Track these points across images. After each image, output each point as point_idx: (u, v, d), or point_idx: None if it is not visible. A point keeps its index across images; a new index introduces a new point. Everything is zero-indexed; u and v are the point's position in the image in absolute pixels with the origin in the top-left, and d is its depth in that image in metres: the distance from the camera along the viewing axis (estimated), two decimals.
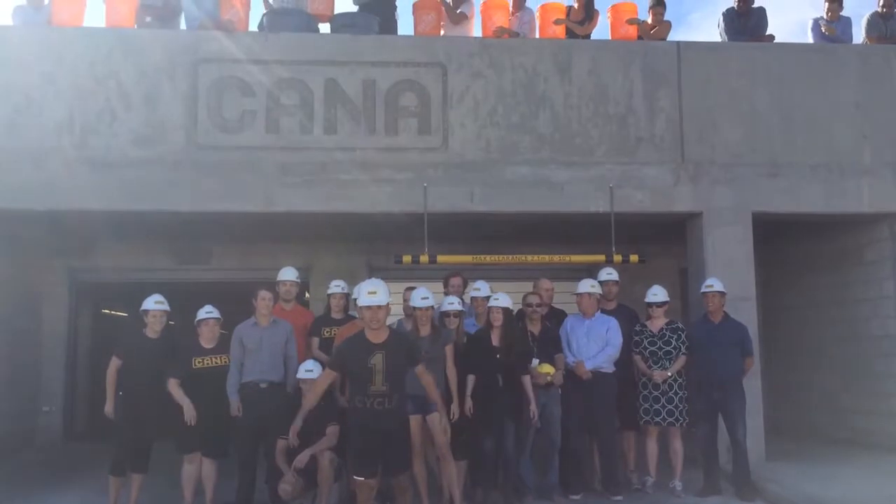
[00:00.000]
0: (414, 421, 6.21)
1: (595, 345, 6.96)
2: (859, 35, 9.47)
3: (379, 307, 5.25)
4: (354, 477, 5.40)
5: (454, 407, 6.30)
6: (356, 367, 5.27)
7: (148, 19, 8.47)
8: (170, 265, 10.48)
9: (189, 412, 6.34)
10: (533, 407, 6.47)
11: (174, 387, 6.42)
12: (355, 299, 6.71)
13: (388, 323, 5.52)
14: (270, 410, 6.37)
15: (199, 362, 6.48)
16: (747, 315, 7.70)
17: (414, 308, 6.40)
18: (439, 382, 6.23)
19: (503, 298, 6.61)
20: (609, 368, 6.95)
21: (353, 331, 6.27)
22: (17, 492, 7.25)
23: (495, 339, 6.51)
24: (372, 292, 5.28)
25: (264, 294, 6.63)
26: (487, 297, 6.80)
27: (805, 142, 8.35)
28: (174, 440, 6.47)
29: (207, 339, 6.59)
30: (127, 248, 10.21)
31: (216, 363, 6.52)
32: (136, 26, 8.36)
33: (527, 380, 6.52)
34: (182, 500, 6.50)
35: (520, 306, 7.15)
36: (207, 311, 6.62)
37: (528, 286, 7.34)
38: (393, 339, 5.38)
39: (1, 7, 30.04)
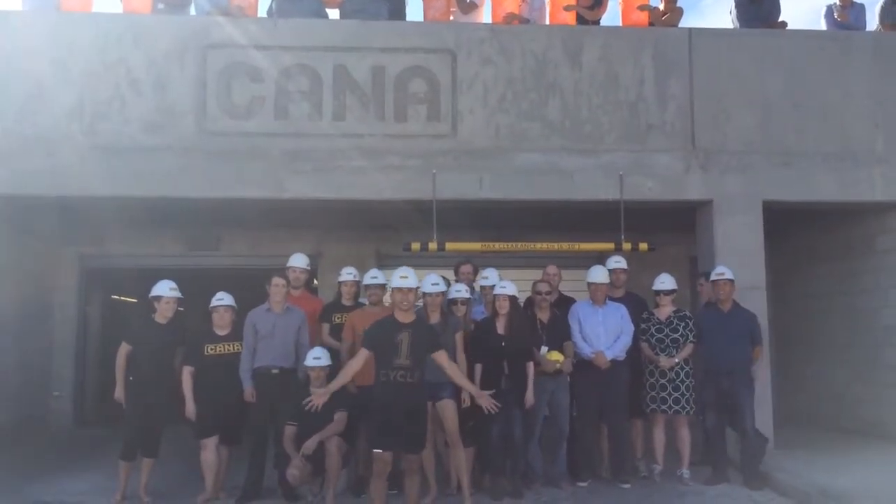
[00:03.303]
0: None
1: (611, 334, 6.95)
2: (873, 22, 9.39)
3: (409, 290, 5.68)
4: (373, 450, 5.59)
5: (464, 394, 6.31)
6: (384, 342, 5.58)
7: (161, 6, 8.47)
8: (179, 251, 10.56)
9: (189, 409, 6.42)
10: (529, 394, 6.47)
11: (186, 377, 6.48)
12: (366, 286, 6.79)
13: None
14: (281, 396, 6.41)
15: (211, 349, 6.51)
16: (757, 304, 7.67)
17: (424, 294, 6.40)
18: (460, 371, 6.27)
19: (509, 286, 6.61)
20: (622, 356, 6.95)
21: (364, 316, 6.38)
22: (28, 476, 7.32)
23: (500, 328, 6.52)
24: (404, 276, 5.72)
25: (277, 281, 6.65)
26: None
27: (817, 130, 8.28)
28: (190, 425, 6.50)
29: (219, 325, 6.60)
30: (137, 234, 10.28)
31: (229, 350, 6.54)
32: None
33: (529, 367, 6.52)
34: (200, 485, 6.52)
35: (528, 294, 7.15)
36: (218, 299, 6.64)
37: (537, 274, 7.33)
38: (419, 322, 5.81)
39: None
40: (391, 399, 5.51)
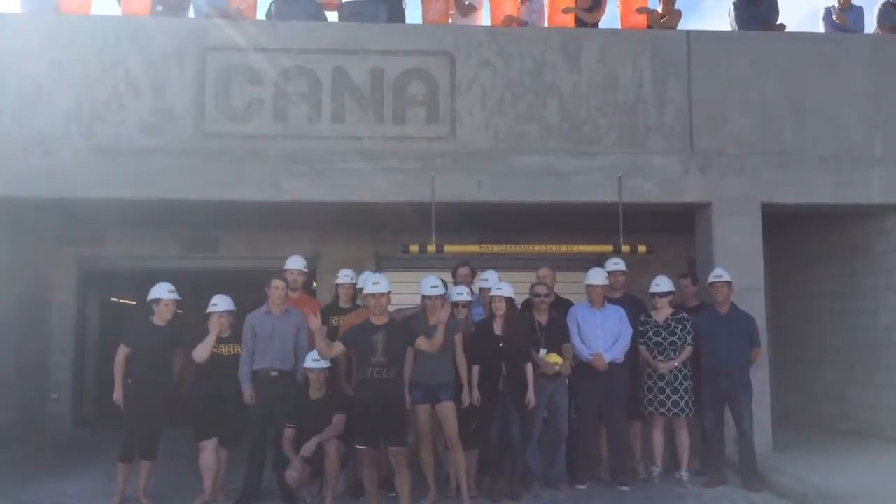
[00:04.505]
0: (423, 410, 6.25)
1: (610, 336, 6.95)
2: (871, 24, 9.41)
3: (382, 294, 6.10)
4: (357, 446, 5.98)
5: (464, 395, 6.32)
6: (362, 342, 6.02)
7: (159, 8, 8.48)
8: (177, 253, 10.54)
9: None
10: (530, 394, 6.47)
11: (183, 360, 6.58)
12: (361, 289, 6.80)
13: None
14: (280, 398, 6.39)
15: (211, 350, 6.48)
16: (755, 306, 7.67)
17: (423, 296, 6.40)
18: (450, 372, 6.31)
19: (506, 288, 6.61)
20: (620, 358, 6.95)
21: (360, 318, 6.36)
22: (26, 478, 7.30)
23: (498, 329, 6.52)
24: (376, 283, 6.15)
25: (277, 283, 6.64)
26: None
27: (815, 132, 8.29)
28: (191, 428, 6.49)
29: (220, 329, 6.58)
30: (135, 236, 10.27)
31: (228, 352, 6.53)
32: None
33: (528, 367, 6.52)
34: (198, 487, 6.49)
35: (526, 296, 7.15)
36: (213, 304, 6.61)
37: (535, 276, 7.32)
38: (392, 322, 6.20)
39: None
40: (370, 395, 5.92)
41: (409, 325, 6.37)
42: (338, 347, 6.14)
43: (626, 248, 7.79)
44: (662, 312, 7.17)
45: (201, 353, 6.41)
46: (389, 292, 6.16)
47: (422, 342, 6.08)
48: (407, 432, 6.17)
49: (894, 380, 8.48)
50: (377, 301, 6.07)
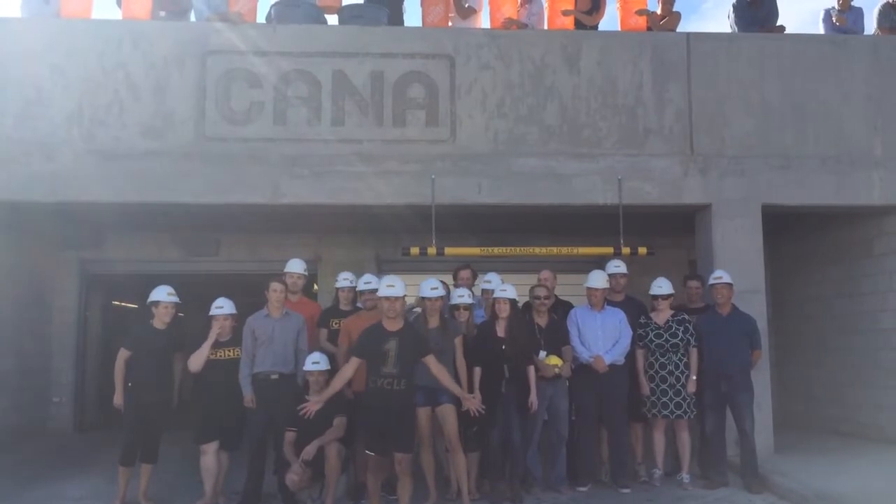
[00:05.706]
0: (423, 412, 6.25)
1: (610, 338, 6.95)
2: (871, 26, 9.42)
3: (396, 298, 5.76)
4: (366, 451, 5.84)
5: (464, 398, 6.30)
6: (373, 350, 5.73)
7: (162, 13, 8.50)
8: (179, 257, 10.56)
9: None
10: (532, 397, 6.47)
11: (181, 366, 6.60)
12: (360, 291, 6.81)
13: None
14: (280, 401, 6.39)
15: (211, 354, 6.49)
16: (756, 308, 7.67)
17: (423, 299, 6.40)
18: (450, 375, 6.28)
19: (509, 289, 6.61)
20: (621, 360, 6.95)
21: (359, 321, 6.38)
22: (27, 481, 7.31)
23: (500, 331, 6.52)
24: (391, 285, 5.83)
25: (276, 286, 6.63)
26: None
27: (815, 133, 8.29)
28: (192, 431, 6.50)
29: (219, 333, 6.59)
30: (136, 239, 10.31)
31: (229, 355, 6.53)
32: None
33: (531, 370, 6.52)
34: (199, 491, 6.50)
35: (527, 298, 7.15)
36: (218, 307, 6.61)
37: (535, 279, 7.33)
38: (406, 329, 5.87)
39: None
40: (379, 404, 5.68)
41: (421, 333, 6.13)
42: (352, 366, 5.82)
43: (626, 250, 7.81)
44: (663, 314, 7.17)
45: (196, 361, 6.43)
46: (405, 296, 5.87)
47: (431, 361, 5.79)
48: (414, 440, 6.03)
49: (895, 382, 8.47)
50: (391, 305, 5.75)
